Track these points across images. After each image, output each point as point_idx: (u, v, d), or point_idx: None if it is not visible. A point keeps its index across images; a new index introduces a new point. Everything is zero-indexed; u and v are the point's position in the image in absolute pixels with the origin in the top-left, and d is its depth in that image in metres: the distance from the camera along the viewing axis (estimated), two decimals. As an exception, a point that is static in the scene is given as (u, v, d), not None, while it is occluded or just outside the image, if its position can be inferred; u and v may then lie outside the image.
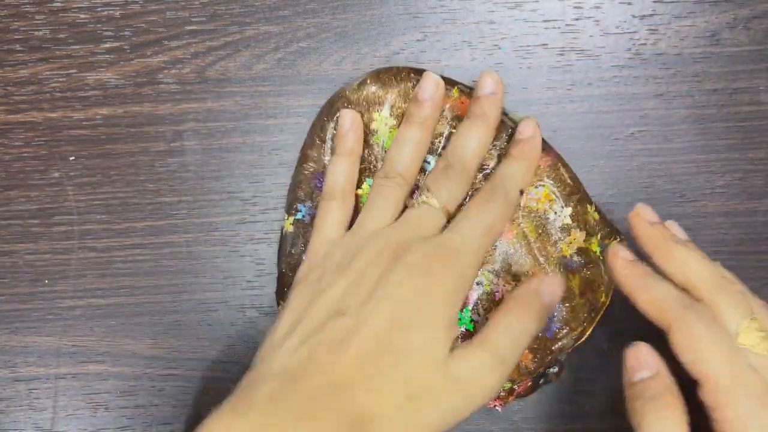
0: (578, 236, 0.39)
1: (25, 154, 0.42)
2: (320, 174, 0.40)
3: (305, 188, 0.40)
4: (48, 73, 0.41)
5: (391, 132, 0.40)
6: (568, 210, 0.39)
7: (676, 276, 0.34)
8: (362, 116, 0.40)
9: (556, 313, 0.39)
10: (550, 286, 0.37)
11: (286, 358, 0.34)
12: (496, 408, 0.41)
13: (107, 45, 0.41)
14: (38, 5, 0.41)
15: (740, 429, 0.31)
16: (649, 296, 0.34)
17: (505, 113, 0.40)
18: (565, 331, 0.39)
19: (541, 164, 0.39)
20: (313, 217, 0.40)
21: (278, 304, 0.40)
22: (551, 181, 0.39)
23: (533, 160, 0.39)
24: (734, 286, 0.34)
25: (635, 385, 0.33)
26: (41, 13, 0.41)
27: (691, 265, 0.34)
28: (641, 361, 0.34)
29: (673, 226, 0.37)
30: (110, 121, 0.41)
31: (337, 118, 0.40)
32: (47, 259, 0.42)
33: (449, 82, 0.40)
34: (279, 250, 0.41)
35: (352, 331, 0.33)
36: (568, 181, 0.39)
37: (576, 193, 0.39)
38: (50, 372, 0.42)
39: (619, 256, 0.35)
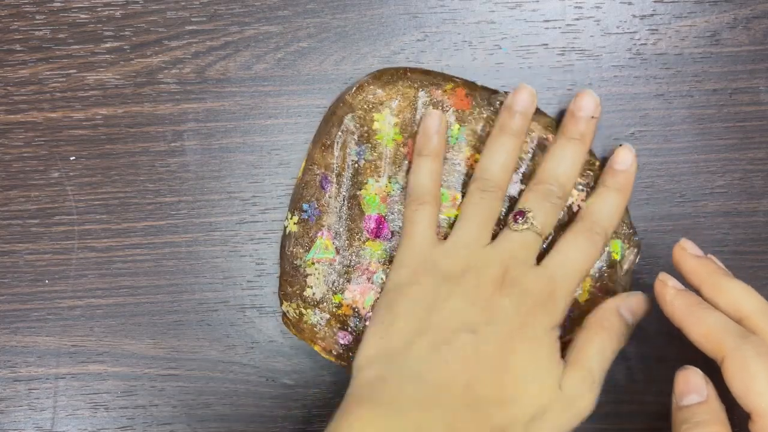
0: None
1: (25, 154, 0.42)
2: (327, 176, 0.40)
3: (312, 189, 0.40)
4: (48, 73, 0.41)
5: (393, 130, 0.40)
6: (584, 194, 0.40)
7: (727, 308, 0.34)
8: (363, 117, 0.40)
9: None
10: (629, 306, 0.38)
11: (419, 365, 0.35)
12: None
13: (107, 45, 0.41)
14: (38, 5, 0.41)
15: None
16: (703, 328, 0.34)
17: (495, 91, 0.40)
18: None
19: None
20: (318, 217, 0.40)
21: (281, 303, 0.40)
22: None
23: (629, 192, 0.39)
24: (756, 344, 0.33)
25: (683, 409, 0.33)
26: (41, 13, 0.41)
27: (742, 296, 0.34)
28: (691, 385, 0.34)
29: (714, 259, 0.37)
30: (110, 121, 0.41)
31: (344, 122, 0.40)
32: (47, 259, 0.42)
33: (443, 77, 0.40)
34: (281, 249, 0.41)
35: (479, 349, 0.35)
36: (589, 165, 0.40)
37: (594, 172, 0.40)
38: (50, 372, 0.42)
39: (669, 285, 0.35)
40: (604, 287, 0.40)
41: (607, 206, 0.38)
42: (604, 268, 0.40)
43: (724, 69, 0.41)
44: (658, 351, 0.42)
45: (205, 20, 0.41)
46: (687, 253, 0.36)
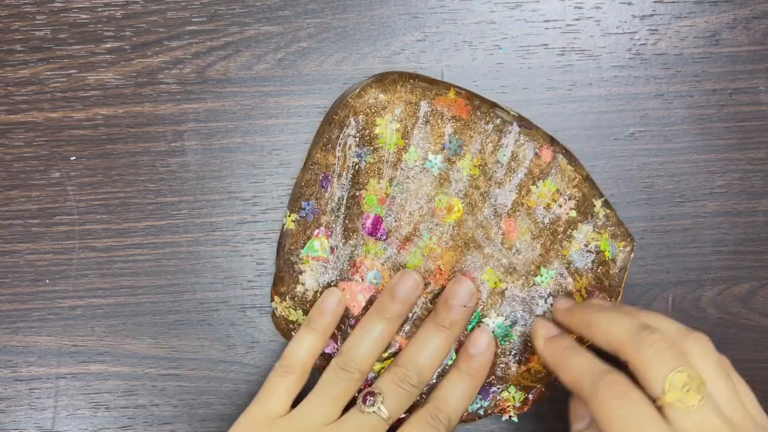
0: (585, 230, 0.40)
1: (26, 154, 0.42)
2: (327, 175, 0.40)
3: (312, 187, 0.40)
4: (49, 73, 0.41)
5: (396, 135, 0.40)
6: (572, 203, 0.39)
7: (601, 343, 0.35)
8: (365, 120, 0.40)
9: None
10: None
11: None
12: (512, 418, 0.41)
13: (108, 45, 0.41)
14: (39, 5, 0.41)
15: None
16: (569, 373, 0.35)
17: (496, 105, 0.40)
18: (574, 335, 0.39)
19: (543, 157, 0.39)
20: (316, 216, 0.40)
21: (272, 299, 0.40)
22: (553, 175, 0.40)
23: (482, 378, 0.39)
24: (654, 336, 0.33)
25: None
26: (42, 14, 0.41)
27: (609, 327, 0.34)
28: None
29: (593, 301, 0.38)
30: (111, 121, 0.41)
31: (346, 124, 0.40)
32: (48, 259, 0.42)
33: (445, 86, 0.40)
34: (278, 246, 0.41)
35: None
36: (572, 173, 0.39)
37: (581, 185, 0.40)
38: (51, 372, 0.42)
39: (539, 335, 0.37)
40: (600, 285, 0.40)
41: (456, 393, 0.39)
42: (597, 266, 0.40)
43: (723, 69, 0.41)
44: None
45: (205, 20, 0.41)
46: (559, 309, 0.38)
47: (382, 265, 0.40)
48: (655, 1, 0.41)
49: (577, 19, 0.41)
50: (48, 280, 0.42)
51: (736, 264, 0.42)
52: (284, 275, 0.40)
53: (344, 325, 0.40)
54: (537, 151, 0.40)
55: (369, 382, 0.40)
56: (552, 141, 0.40)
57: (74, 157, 0.42)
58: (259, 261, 0.42)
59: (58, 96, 0.41)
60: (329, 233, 0.40)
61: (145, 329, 0.42)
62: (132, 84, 0.41)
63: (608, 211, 0.40)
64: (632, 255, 0.40)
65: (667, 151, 0.42)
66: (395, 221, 0.40)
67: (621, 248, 0.40)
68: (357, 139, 0.40)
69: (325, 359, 0.40)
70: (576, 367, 0.35)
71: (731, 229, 0.42)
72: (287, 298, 0.40)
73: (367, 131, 0.40)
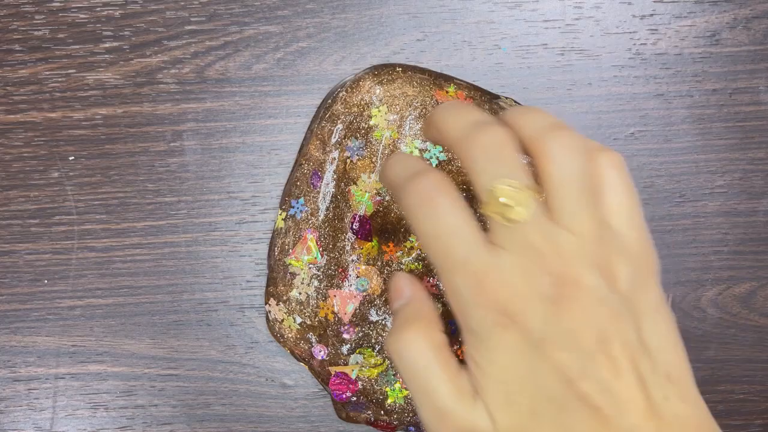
0: None
1: (25, 154, 0.42)
2: (317, 171, 0.40)
3: (301, 185, 0.40)
4: (47, 73, 0.41)
5: (390, 127, 0.40)
6: None
7: (443, 144, 0.31)
8: (359, 113, 0.39)
9: None
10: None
11: None
12: None
13: (107, 45, 0.41)
14: (37, 5, 0.41)
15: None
16: (385, 179, 0.31)
17: (498, 98, 0.40)
18: None
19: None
20: (305, 214, 0.40)
21: (266, 301, 0.40)
22: None
23: None
24: (486, 134, 0.29)
25: (395, 312, 0.32)
26: (41, 13, 0.41)
27: (443, 122, 0.31)
28: (397, 290, 0.32)
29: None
30: (110, 121, 0.41)
31: (339, 117, 0.40)
32: (47, 259, 0.42)
33: (445, 78, 0.40)
34: (270, 246, 0.40)
35: None
36: None
37: None
38: (50, 372, 0.42)
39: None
40: None
41: None
42: None
43: (724, 69, 0.41)
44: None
45: (204, 20, 0.41)
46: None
47: (371, 268, 0.40)
48: (655, 1, 0.41)
49: (577, 19, 0.41)
50: (47, 280, 0.42)
51: (736, 264, 0.42)
52: (277, 277, 0.40)
53: (334, 334, 0.40)
54: None
55: (353, 381, 0.40)
56: None
57: (73, 157, 0.41)
58: (258, 261, 0.42)
59: (57, 96, 0.41)
60: (318, 234, 0.40)
61: (144, 329, 0.42)
62: (131, 84, 0.41)
63: None
64: None
65: (667, 151, 0.42)
66: (385, 220, 0.40)
67: None
68: (349, 132, 0.40)
69: (319, 365, 0.40)
70: (393, 170, 0.31)
71: (731, 229, 0.42)
72: (281, 301, 0.40)
73: (362, 123, 0.39)
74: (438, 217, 0.29)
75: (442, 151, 0.40)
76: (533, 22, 0.41)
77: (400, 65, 0.40)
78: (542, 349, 0.28)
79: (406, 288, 0.32)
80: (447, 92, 0.40)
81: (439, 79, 0.40)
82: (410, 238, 0.40)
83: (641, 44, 0.41)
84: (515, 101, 0.40)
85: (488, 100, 0.40)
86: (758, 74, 0.41)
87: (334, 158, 0.40)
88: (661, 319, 0.30)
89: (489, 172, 0.28)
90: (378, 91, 0.39)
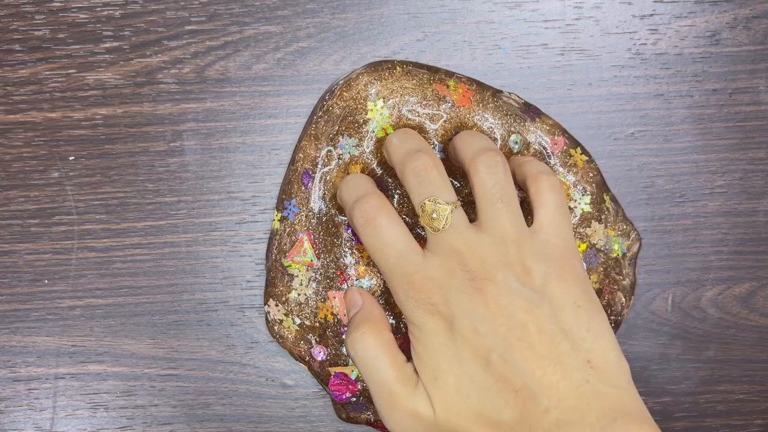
0: (598, 228, 0.39)
1: (25, 154, 0.41)
2: (308, 171, 0.40)
3: (294, 185, 0.40)
4: (47, 73, 0.41)
5: (386, 120, 0.39)
6: (588, 198, 0.39)
7: (390, 162, 0.38)
8: (354, 108, 0.39)
9: None
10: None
11: None
12: None
13: (107, 45, 0.41)
14: (37, 5, 0.41)
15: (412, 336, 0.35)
16: (339, 199, 0.38)
17: (499, 91, 0.40)
18: None
19: (553, 151, 0.39)
20: (298, 215, 0.40)
21: (265, 302, 0.40)
22: (569, 167, 0.39)
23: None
24: (414, 162, 0.35)
25: (350, 322, 0.38)
26: (41, 13, 0.41)
27: (387, 146, 0.38)
28: (349, 300, 0.39)
29: None
30: (110, 121, 0.41)
31: (329, 112, 0.39)
32: (47, 259, 0.42)
33: (446, 73, 0.40)
34: (267, 247, 0.40)
35: None
36: (584, 165, 0.39)
37: (595, 179, 0.39)
38: (50, 372, 0.42)
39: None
40: (615, 284, 0.40)
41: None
42: (608, 264, 0.40)
43: (724, 69, 0.41)
44: (661, 349, 0.42)
45: (204, 20, 0.41)
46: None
47: (370, 269, 0.40)
48: (655, 1, 0.41)
49: (577, 19, 0.41)
50: (47, 281, 0.42)
51: (736, 264, 0.42)
52: (275, 278, 0.40)
53: (333, 335, 0.40)
54: (546, 141, 0.39)
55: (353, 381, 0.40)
56: (563, 131, 0.40)
57: (73, 157, 0.41)
58: (258, 261, 0.42)
59: (57, 96, 0.41)
60: (313, 236, 0.40)
61: (144, 329, 0.42)
62: (131, 84, 0.41)
63: (617, 206, 0.40)
64: (639, 251, 0.40)
65: (668, 151, 0.42)
66: None
67: (629, 246, 0.40)
68: (343, 129, 0.39)
69: (319, 365, 0.40)
70: (343, 192, 0.38)
71: (731, 229, 0.42)
72: (280, 302, 0.40)
73: (357, 117, 0.39)
74: (379, 233, 0.35)
75: (441, 151, 0.39)
76: (533, 22, 0.41)
77: (399, 62, 0.40)
78: (462, 334, 0.33)
79: (358, 298, 0.38)
80: (448, 86, 0.40)
81: (440, 73, 0.40)
82: None
83: (641, 44, 0.41)
84: (518, 96, 0.40)
85: (492, 94, 0.40)
86: (758, 74, 0.41)
87: (326, 156, 0.39)
88: (582, 313, 0.34)
89: (418, 191, 0.35)
90: (375, 86, 0.39)
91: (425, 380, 0.34)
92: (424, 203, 0.34)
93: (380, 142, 0.39)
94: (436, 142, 0.39)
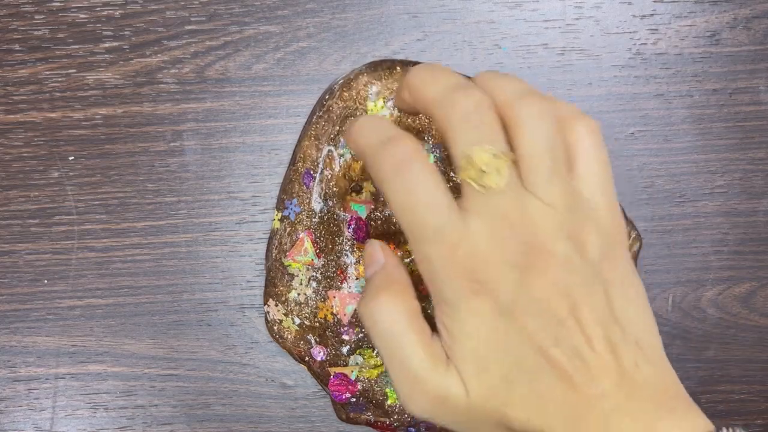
0: None
1: (25, 154, 0.41)
2: (310, 171, 0.40)
3: (295, 185, 0.40)
4: (47, 72, 0.41)
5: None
6: None
7: (417, 108, 0.31)
8: (354, 108, 0.39)
9: None
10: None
11: None
12: None
13: (107, 45, 0.41)
14: (37, 5, 0.41)
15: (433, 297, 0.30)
16: (354, 143, 0.31)
17: None
18: None
19: None
20: (299, 215, 0.40)
21: (265, 302, 0.40)
22: None
23: None
24: (466, 98, 0.29)
25: (368, 279, 0.33)
26: (40, 13, 0.41)
27: (420, 84, 0.30)
28: (369, 257, 0.33)
29: None
30: (110, 121, 0.41)
31: (329, 112, 0.39)
32: (47, 259, 0.42)
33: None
34: (267, 247, 0.40)
35: None
36: None
37: None
38: (50, 372, 0.42)
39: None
40: None
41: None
42: None
43: (724, 69, 0.41)
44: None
45: (204, 20, 0.41)
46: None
47: None
48: (655, 1, 0.41)
49: (577, 19, 0.41)
50: (47, 280, 0.42)
51: (736, 264, 0.42)
52: (275, 278, 0.40)
53: (333, 335, 0.40)
54: None
55: (353, 381, 0.40)
56: None
57: (73, 157, 0.41)
58: (258, 261, 0.42)
59: (57, 96, 0.41)
60: (314, 236, 0.40)
61: (143, 329, 0.42)
62: (131, 84, 0.41)
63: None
64: (640, 251, 0.40)
65: (668, 151, 0.42)
66: (388, 222, 0.40)
67: (629, 246, 0.40)
68: (343, 129, 0.39)
69: (319, 366, 0.40)
70: (363, 134, 0.30)
71: (731, 229, 0.42)
72: (279, 302, 0.40)
73: (357, 116, 0.39)
74: (412, 186, 0.28)
75: (443, 151, 0.39)
76: (533, 22, 0.41)
77: (399, 61, 0.40)
78: (513, 317, 0.28)
79: (379, 254, 0.32)
80: None
81: None
82: None
83: (641, 44, 0.41)
84: None
85: None
86: (758, 74, 0.41)
87: (327, 156, 0.39)
88: (630, 288, 0.30)
89: (467, 136, 0.28)
90: (375, 86, 0.39)
91: (460, 365, 0.29)
92: (473, 151, 0.28)
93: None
94: (434, 144, 0.39)
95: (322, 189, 0.40)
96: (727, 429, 0.28)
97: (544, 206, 0.29)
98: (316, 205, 0.40)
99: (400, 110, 0.36)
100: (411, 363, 0.29)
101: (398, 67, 0.39)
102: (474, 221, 0.28)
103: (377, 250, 0.33)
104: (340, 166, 0.39)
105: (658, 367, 0.30)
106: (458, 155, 0.28)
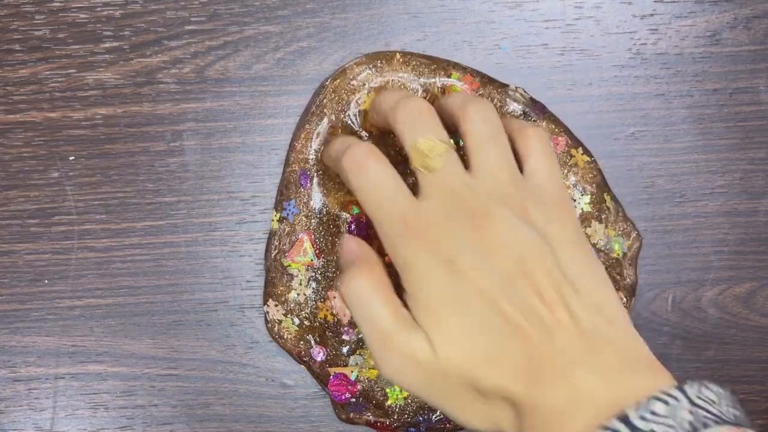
0: (598, 228, 0.39)
1: (25, 154, 0.41)
2: (305, 171, 0.40)
3: (291, 187, 0.40)
4: (47, 72, 0.41)
5: None
6: (587, 197, 0.39)
7: (382, 123, 0.37)
8: (347, 102, 0.39)
9: None
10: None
11: None
12: None
13: (107, 45, 0.41)
14: (38, 5, 0.41)
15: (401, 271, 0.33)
16: (327, 157, 0.38)
17: (505, 85, 0.39)
18: None
19: (554, 151, 0.39)
20: (297, 216, 0.39)
21: (265, 302, 0.40)
22: (570, 167, 0.39)
23: None
24: (409, 104, 0.34)
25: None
26: (41, 13, 0.41)
27: (379, 103, 0.37)
28: (345, 251, 0.36)
29: None
30: (110, 121, 0.41)
31: (322, 109, 0.39)
32: (46, 259, 0.42)
33: (450, 64, 0.39)
34: (266, 247, 0.40)
35: None
36: (585, 166, 0.39)
37: (594, 179, 0.39)
38: (50, 372, 0.42)
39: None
40: (614, 281, 0.40)
41: None
42: (610, 268, 0.40)
43: (724, 69, 0.41)
44: (661, 349, 0.42)
45: (204, 20, 0.41)
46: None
47: None
48: (655, 1, 0.41)
49: (577, 19, 0.41)
50: (47, 281, 0.42)
51: (736, 264, 0.42)
52: (275, 278, 0.40)
53: (333, 335, 0.40)
54: (551, 138, 0.39)
55: (351, 383, 0.40)
56: (565, 130, 0.39)
57: (73, 157, 0.41)
58: (258, 261, 0.42)
59: (57, 96, 0.41)
60: (313, 236, 0.40)
61: (143, 329, 0.42)
62: (131, 84, 0.41)
63: (617, 206, 0.40)
64: (640, 250, 0.40)
65: (668, 151, 0.42)
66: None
67: (629, 245, 0.40)
68: (338, 124, 0.39)
69: (319, 366, 0.40)
70: (332, 148, 0.37)
71: (732, 229, 0.42)
72: (279, 302, 0.40)
73: (351, 111, 0.39)
74: (369, 176, 0.33)
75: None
76: (533, 22, 0.41)
77: (399, 51, 0.39)
78: (464, 273, 0.31)
79: (356, 247, 0.36)
80: (451, 76, 0.39)
81: (441, 63, 0.39)
82: None
83: (641, 44, 0.41)
84: (524, 91, 0.40)
85: (498, 87, 0.39)
86: (759, 74, 0.41)
87: (320, 155, 0.39)
88: (581, 254, 0.32)
89: (412, 130, 0.33)
90: (369, 75, 0.39)
91: (425, 323, 0.32)
92: (417, 141, 0.33)
93: (376, 139, 0.39)
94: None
95: (319, 189, 0.39)
96: (692, 381, 0.29)
97: (486, 182, 0.33)
98: (316, 205, 0.40)
99: (378, 128, 0.39)
100: (380, 322, 0.32)
101: (398, 55, 0.39)
102: (426, 201, 0.33)
103: (353, 243, 0.36)
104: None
105: (621, 331, 0.31)
106: (407, 147, 0.33)
